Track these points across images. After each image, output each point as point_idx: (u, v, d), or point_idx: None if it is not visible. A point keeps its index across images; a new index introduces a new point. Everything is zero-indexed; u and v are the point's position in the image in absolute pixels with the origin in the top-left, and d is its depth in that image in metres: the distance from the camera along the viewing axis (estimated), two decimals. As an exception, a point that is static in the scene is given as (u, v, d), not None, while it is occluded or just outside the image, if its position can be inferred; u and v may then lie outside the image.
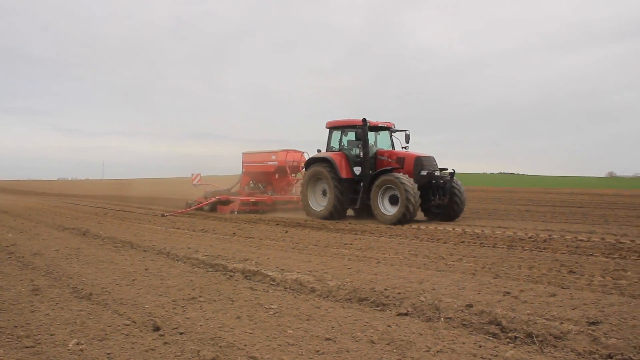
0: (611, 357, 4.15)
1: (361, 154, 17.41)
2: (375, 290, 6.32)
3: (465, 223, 15.56)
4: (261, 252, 9.85)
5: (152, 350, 4.43)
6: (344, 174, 17.17)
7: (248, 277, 7.45)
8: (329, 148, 18.62)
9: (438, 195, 16.39)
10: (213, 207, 20.92)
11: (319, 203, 18.05)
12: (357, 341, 4.61)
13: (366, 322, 5.15)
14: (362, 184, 17.03)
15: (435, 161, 17.03)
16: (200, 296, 6.30)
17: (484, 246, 10.59)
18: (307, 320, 5.28)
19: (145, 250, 10.10)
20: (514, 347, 4.46)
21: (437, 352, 4.31)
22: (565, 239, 11.43)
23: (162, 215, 18.93)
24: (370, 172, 17.09)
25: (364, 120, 17.39)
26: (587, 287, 6.73)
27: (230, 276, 7.54)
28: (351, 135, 17.93)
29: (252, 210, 20.27)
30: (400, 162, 16.85)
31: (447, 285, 6.69)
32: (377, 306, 5.84)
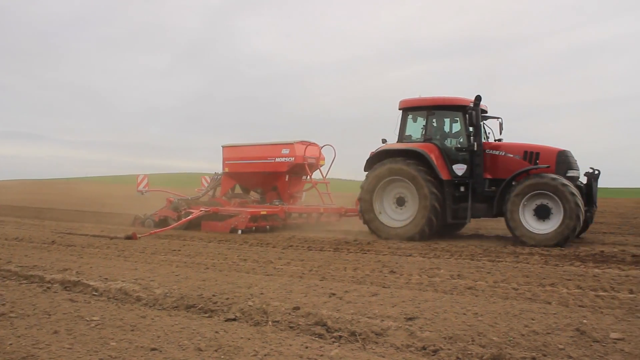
0: (425, 349, 4.45)
1: (475, 146, 12.56)
2: (203, 297, 6.22)
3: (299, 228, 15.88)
4: (83, 260, 9.26)
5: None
6: (444, 174, 12.64)
7: (68, 288, 6.96)
8: (403, 137, 13.56)
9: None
10: (189, 224, 15.03)
11: (392, 217, 13.17)
12: (184, 350, 4.48)
13: (194, 330, 5.03)
14: (470, 189, 12.58)
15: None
16: (11, 312, 5.75)
17: (311, 250, 10.89)
18: (132, 330, 5.04)
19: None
20: (339, 346, 4.60)
21: (265, 355, 4.32)
22: (388, 241, 12.11)
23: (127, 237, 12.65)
24: (479, 171, 12.58)
25: (479, 98, 12.68)
26: (406, 286, 7.17)
27: (48, 288, 6.98)
28: (438, 121, 13.47)
29: (258, 227, 14.81)
30: (530, 158, 12.33)
31: (275, 289, 6.77)
32: (205, 313, 5.74)
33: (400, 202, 13.05)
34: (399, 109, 13.60)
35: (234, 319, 5.45)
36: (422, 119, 13.48)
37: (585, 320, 5.31)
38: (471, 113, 12.36)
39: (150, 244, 11.69)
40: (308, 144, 16.25)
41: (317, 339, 4.82)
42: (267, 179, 16.57)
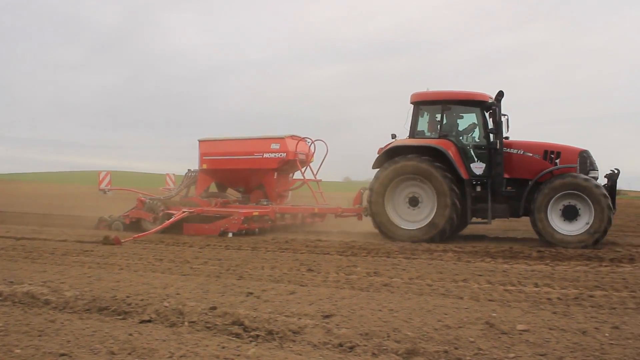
0: (342, 345, 4.50)
1: (498, 144, 11.89)
2: (116, 299, 6.04)
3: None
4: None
5: None
6: (463, 173, 11.94)
7: (-32, 293, 6.57)
8: (415, 133, 12.71)
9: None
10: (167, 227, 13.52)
11: (405, 218, 12.30)
12: (95, 354, 4.33)
13: (106, 333, 4.87)
14: (489, 189, 11.97)
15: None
16: None
17: (229, 249, 10.79)
18: (39, 336, 4.82)
19: None
20: (256, 345, 4.58)
21: (181, 357, 4.24)
22: (306, 239, 12.17)
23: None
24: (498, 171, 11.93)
25: (502, 93, 12.04)
26: (323, 284, 7.23)
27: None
28: (454, 116, 12.77)
29: (249, 230, 13.52)
30: (551, 157, 11.89)
31: (192, 289, 6.67)
32: (119, 315, 5.57)
33: (414, 202, 12.26)
34: (411, 103, 12.75)
35: (149, 321, 5.31)
36: (434, 113, 12.67)
37: (494, 314, 5.54)
38: (494, 109, 11.94)
39: (60, 245, 11.20)
40: (299, 139, 15.24)
41: (234, 338, 4.77)
42: (252, 177, 15.21)
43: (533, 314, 5.64)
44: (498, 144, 11.88)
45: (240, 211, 13.49)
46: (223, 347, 4.48)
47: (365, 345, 4.49)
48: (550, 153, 11.89)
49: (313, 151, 15.74)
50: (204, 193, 15.54)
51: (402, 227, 12.09)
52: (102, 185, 16.47)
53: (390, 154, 12.35)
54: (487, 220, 11.99)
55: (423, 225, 11.92)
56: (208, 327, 5.07)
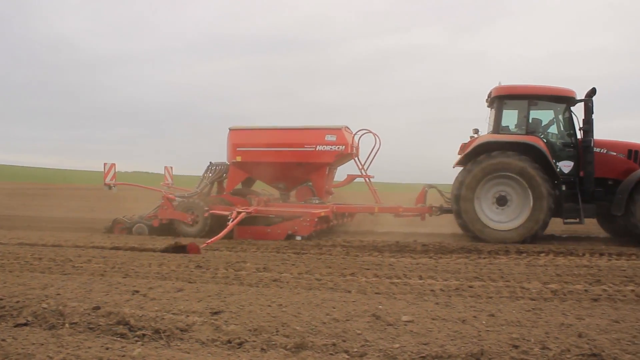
0: (230, 342, 4.46)
1: (591, 142, 11.58)
2: (-12, 301, 5.65)
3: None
4: None
5: None
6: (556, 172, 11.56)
7: None
8: (500, 128, 12.12)
9: None
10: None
11: (491, 217, 11.67)
12: (-37, 361, 4.04)
13: (-24, 338, 4.55)
14: (578, 188, 11.62)
15: None
16: None
17: (115, 248, 10.39)
18: None
19: None
20: (142, 345, 4.45)
21: (60, 360, 4.04)
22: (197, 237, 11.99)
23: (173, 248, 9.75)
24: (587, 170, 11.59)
25: (594, 90, 11.57)
26: (212, 280, 7.15)
27: None
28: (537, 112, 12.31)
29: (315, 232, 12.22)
30: (635, 156, 11.78)
31: (74, 289, 6.37)
32: (-9, 319, 5.21)
33: (501, 201, 11.67)
34: (493, 96, 12.22)
35: (25, 324, 5.01)
36: (520, 108, 12.23)
37: (380, 306, 5.71)
38: (589, 106, 11.55)
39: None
40: (348, 130, 13.64)
41: (118, 339, 4.61)
42: (300, 172, 13.40)
43: (417, 305, 5.88)
44: (590, 143, 11.58)
45: (313, 211, 12.13)
46: (107, 348, 4.32)
47: (254, 341, 4.49)
48: (635, 152, 11.82)
49: (357, 143, 14.14)
50: (235, 189, 13.94)
51: (491, 227, 11.54)
52: (107, 179, 14.22)
53: (479, 150, 11.73)
54: (580, 220, 11.50)
55: (515, 226, 11.43)
56: (91, 328, 4.86)
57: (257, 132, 13.62)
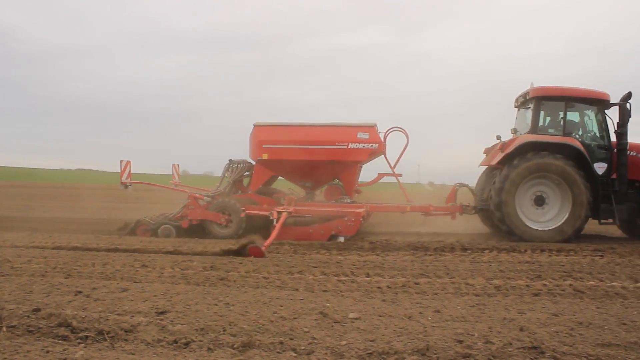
0: (176, 342, 4.41)
1: (627, 144, 11.90)
2: None
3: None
4: None
5: None
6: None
7: None
8: (538, 129, 12.21)
9: None
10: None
11: (530, 217, 11.77)
12: None
13: None
14: (612, 190, 11.84)
15: None
16: None
17: (58, 248, 10.08)
18: None
19: None
20: (85, 347, 4.35)
21: (-2, 364, 3.91)
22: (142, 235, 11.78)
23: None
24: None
25: (630, 94, 11.79)
26: (158, 279, 7.04)
27: None
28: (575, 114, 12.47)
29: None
30: None
31: (12, 291, 6.17)
32: None
33: (539, 201, 11.84)
34: (531, 97, 12.27)
35: (-40, 328, 4.83)
36: (558, 110, 12.31)
37: (328, 304, 5.74)
38: (625, 109, 11.71)
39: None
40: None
41: (60, 341, 4.49)
42: (330, 170, 12.86)
43: (364, 302, 5.93)
44: (625, 145, 11.85)
45: (357, 211, 11.77)
46: (47, 352, 4.20)
47: (201, 341, 4.44)
48: None
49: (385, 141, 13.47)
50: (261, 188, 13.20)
51: (530, 226, 11.63)
52: (124, 178, 13.36)
53: (522, 150, 11.79)
54: (615, 221, 11.87)
55: (553, 226, 11.57)
56: (30, 331, 4.71)
57: (285, 128, 12.84)
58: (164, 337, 4.52)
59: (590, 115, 12.40)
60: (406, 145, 13.40)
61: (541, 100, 12.22)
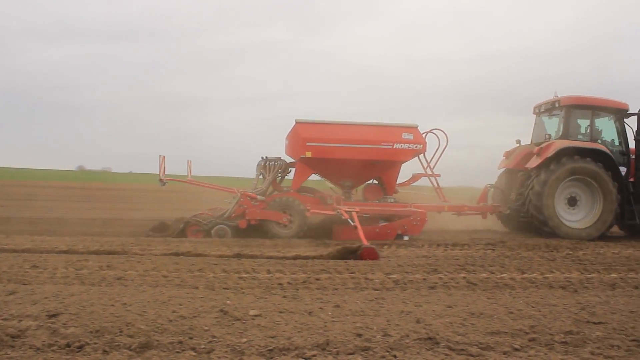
0: (69, 346, 4.22)
1: None
2: None
3: None
4: None
5: None
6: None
7: None
8: (570, 134, 13.17)
9: None
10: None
11: (565, 217, 12.75)
12: None
13: None
14: (632, 192, 13.02)
15: None
16: None
17: None
18: None
19: None
20: (-34, 355, 4.08)
21: None
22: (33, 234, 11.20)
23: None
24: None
25: None
26: (50, 280, 6.72)
27: None
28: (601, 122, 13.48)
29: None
30: None
31: None
32: None
33: (573, 202, 12.89)
34: (562, 105, 13.24)
35: None
36: (586, 117, 13.35)
37: (228, 301, 5.70)
38: None
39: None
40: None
41: (-63, 350, 4.18)
42: (371, 169, 12.86)
43: (265, 299, 5.94)
44: None
45: (421, 211, 11.97)
46: None
47: (96, 343, 4.27)
48: None
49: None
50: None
51: (570, 226, 12.57)
52: (162, 175, 12.80)
53: (561, 154, 12.59)
54: (637, 220, 12.88)
55: (586, 225, 12.60)
56: None
57: (330, 126, 12.60)
58: (56, 342, 4.31)
59: (611, 123, 13.52)
60: (445, 146, 13.51)
61: (571, 108, 13.26)
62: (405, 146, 12.43)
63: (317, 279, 7.02)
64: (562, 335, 4.74)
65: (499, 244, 10.80)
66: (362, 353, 4.21)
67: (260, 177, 13.07)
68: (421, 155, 13.04)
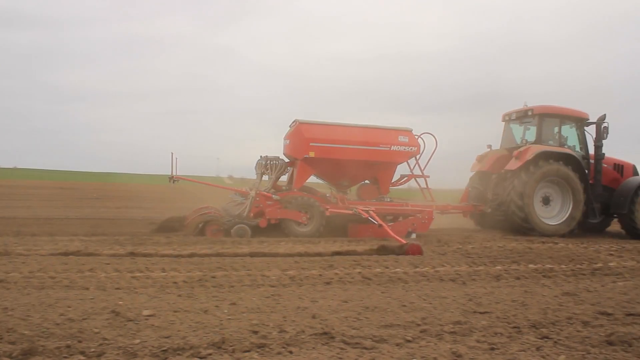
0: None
1: (603, 156, 14.62)
2: None
3: None
4: None
5: None
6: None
7: None
8: (543, 140, 14.28)
9: None
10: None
11: (541, 215, 13.72)
12: None
13: None
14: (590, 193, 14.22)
15: None
16: None
17: None
18: None
19: None
20: None
21: None
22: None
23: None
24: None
25: (605, 116, 14.38)
26: None
27: None
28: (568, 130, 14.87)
29: None
30: (619, 169, 15.13)
31: None
32: None
33: (547, 202, 13.90)
34: (535, 113, 14.35)
35: None
36: (554, 125, 14.59)
37: (120, 302, 5.51)
38: (606, 127, 14.25)
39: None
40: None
41: None
42: (368, 170, 13.23)
43: (159, 298, 5.79)
44: (602, 156, 14.53)
45: (429, 209, 12.73)
46: None
47: (-28, 352, 4.00)
48: (618, 166, 15.10)
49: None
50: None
51: (547, 222, 13.67)
52: (175, 172, 12.75)
53: (541, 157, 13.61)
54: (597, 217, 14.38)
55: (558, 222, 13.77)
56: None
57: (331, 127, 12.97)
58: None
59: (573, 130, 14.87)
60: (434, 149, 14.09)
61: (543, 116, 14.46)
62: (402, 148, 13.13)
63: (213, 277, 6.94)
64: (451, 326, 4.96)
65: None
66: (258, 350, 4.20)
67: (265, 177, 13.43)
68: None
